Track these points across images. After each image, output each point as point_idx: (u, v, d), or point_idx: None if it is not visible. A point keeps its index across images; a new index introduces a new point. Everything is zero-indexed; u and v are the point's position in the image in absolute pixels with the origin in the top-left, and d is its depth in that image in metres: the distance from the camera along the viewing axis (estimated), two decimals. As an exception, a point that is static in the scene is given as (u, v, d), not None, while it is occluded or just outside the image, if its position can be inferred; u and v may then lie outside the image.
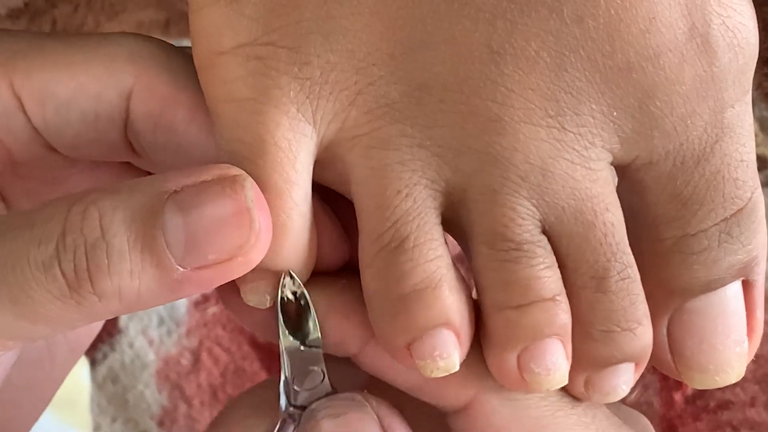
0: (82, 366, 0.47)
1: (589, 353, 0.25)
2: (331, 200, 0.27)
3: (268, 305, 0.25)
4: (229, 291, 0.26)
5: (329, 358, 0.26)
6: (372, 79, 0.24)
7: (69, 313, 0.23)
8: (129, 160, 0.28)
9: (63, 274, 0.23)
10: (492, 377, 0.26)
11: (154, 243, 0.23)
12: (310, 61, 0.24)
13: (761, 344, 0.27)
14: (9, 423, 0.30)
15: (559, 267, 0.25)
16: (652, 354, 0.26)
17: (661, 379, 0.40)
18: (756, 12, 0.25)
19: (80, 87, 0.26)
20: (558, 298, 0.25)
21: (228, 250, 0.23)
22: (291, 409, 0.26)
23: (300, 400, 0.26)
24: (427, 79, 0.24)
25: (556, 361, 0.25)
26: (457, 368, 0.25)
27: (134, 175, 0.30)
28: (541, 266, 0.24)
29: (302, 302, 0.25)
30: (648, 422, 0.29)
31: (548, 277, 0.24)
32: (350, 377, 0.27)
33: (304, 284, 0.25)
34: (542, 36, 0.24)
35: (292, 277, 0.25)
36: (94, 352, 0.46)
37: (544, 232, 0.25)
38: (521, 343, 0.25)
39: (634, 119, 0.24)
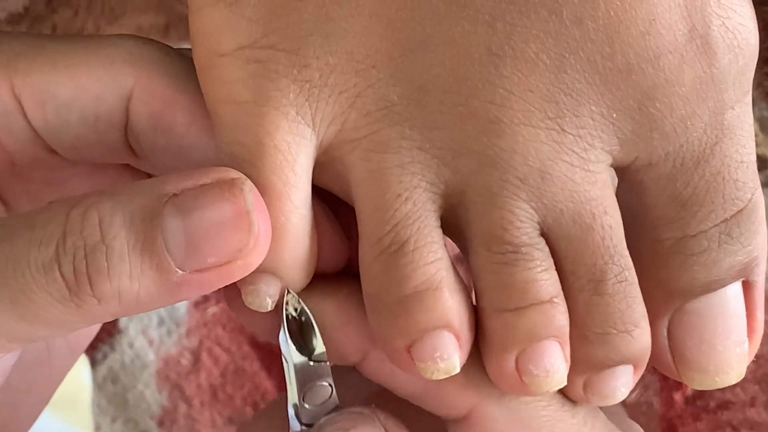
0: (83, 366, 0.47)
1: (587, 356, 0.25)
2: (332, 202, 0.27)
3: (269, 308, 0.25)
4: (234, 292, 0.26)
5: (334, 369, 0.26)
6: (371, 82, 0.24)
7: (69, 316, 0.23)
8: (129, 161, 0.28)
9: (63, 276, 0.23)
10: (493, 386, 0.26)
11: (153, 246, 0.23)
12: (309, 63, 0.24)
13: (761, 344, 0.27)
14: (8, 423, 0.30)
15: (557, 269, 0.25)
16: (652, 355, 0.26)
17: (661, 379, 0.40)
18: (756, 12, 0.25)
19: (80, 89, 0.26)
20: (555, 300, 0.25)
21: (227, 253, 0.23)
22: (303, 428, 0.26)
23: (309, 418, 0.26)
24: (426, 81, 0.24)
25: (554, 362, 0.25)
26: (457, 370, 0.25)
27: (134, 177, 0.30)
28: (539, 269, 0.24)
29: (304, 318, 0.25)
30: None
31: (546, 280, 0.24)
32: (356, 386, 0.27)
33: (305, 288, 0.25)
34: (542, 38, 0.24)
35: (292, 294, 0.25)
36: (93, 352, 0.46)
37: (542, 234, 0.25)
38: (519, 345, 0.25)
39: (633, 121, 0.24)
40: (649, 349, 0.26)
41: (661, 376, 0.41)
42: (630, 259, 0.25)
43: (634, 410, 0.40)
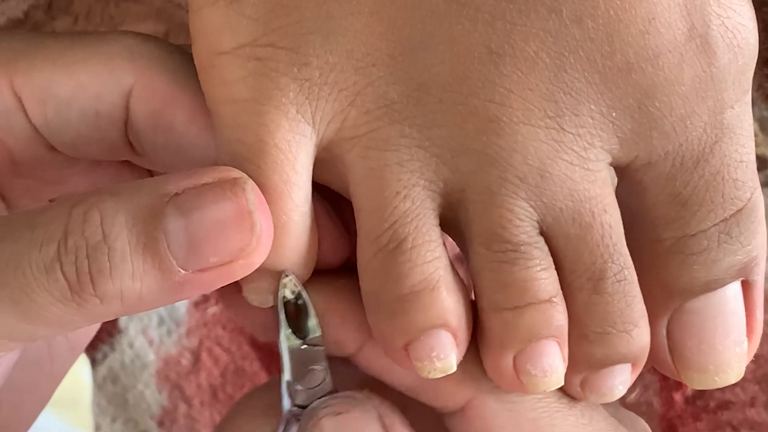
0: (83, 365, 0.47)
1: (585, 354, 0.25)
2: (332, 199, 0.27)
3: (270, 305, 0.25)
4: (230, 292, 0.26)
5: (330, 359, 0.26)
6: (371, 80, 0.24)
7: (70, 315, 0.23)
8: (129, 159, 0.28)
9: (65, 276, 0.23)
10: (489, 379, 0.26)
11: (155, 245, 0.23)
12: (309, 62, 0.24)
13: (761, 344, 0.27)
14: (9, 422, 0.30)
15: (556, 268, 0.25)
16: (651, 354, 0.26)
17: (661, 379, 0.40)
18: (756, 12, 0.25)
19: (80, 86, 0.26)
20: (554, 299, 0.25)
21: (229, 253, 0.23)
22: (294, 409, 0.26)
23: (302, 400, 0.26)
24: (426, 80, 0.24)
25: (552, 362, 0.25)
26: (454, 369, 0.25)
27: (135, 175, 0.30)
28: (538, 268, 0.24)
29: (300, 302, 0.26)
30: (646, 425, 0.29)
31: (545, 279, 0.24)
32: (351, 377, 0.27)
33: (303, 283, 0.26)
34: (541, 36, 0.24)
35: (290, 276, 0.25)
36: (94, 352, 0.46)
37: (542, 233, 0.25)
38: (518, 344, 0.25)
39: (633, 120, 0.24)
40: (648, 349, 0.26)
41: (661, 376, 0.41)
42: (629, 258, 0.25)
43: (634, 410, 0.40)
